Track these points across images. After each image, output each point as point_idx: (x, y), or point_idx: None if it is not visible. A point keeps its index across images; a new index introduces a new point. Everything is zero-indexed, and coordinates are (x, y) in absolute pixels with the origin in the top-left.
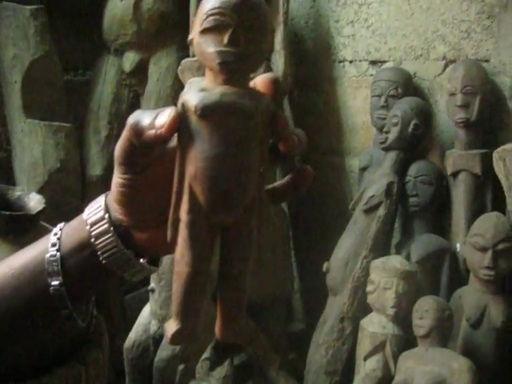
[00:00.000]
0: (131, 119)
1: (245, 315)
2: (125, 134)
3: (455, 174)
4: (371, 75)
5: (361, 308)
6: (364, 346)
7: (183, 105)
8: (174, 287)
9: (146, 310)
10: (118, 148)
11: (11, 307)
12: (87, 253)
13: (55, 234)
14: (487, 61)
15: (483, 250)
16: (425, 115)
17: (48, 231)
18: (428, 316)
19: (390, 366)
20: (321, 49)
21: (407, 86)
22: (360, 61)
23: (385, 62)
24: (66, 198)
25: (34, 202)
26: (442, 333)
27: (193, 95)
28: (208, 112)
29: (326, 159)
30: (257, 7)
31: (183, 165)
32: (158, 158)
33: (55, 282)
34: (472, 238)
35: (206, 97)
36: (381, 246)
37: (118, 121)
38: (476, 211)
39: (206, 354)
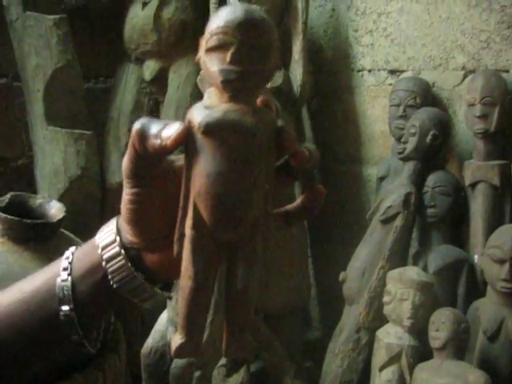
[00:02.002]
0: (137, 125)
1: (250, 331)
2: (130, 140)
3: (473, 185)
4: (390, 84)
5: (377, 318)
6: (380, 356)
7: (189, 121)
8: (178, 301)
9: (164, 317)
10: (125, 159)
11: (22, 332)
12: (99, 277)
13: (67, 258)
14: (507, 71)
15: (501, 262)
16: (443, 125)
17: (68, 239)
18: (444, 328)
19: (406, 377)
20: (339, 58)
21: (426, 95)
22: (379, 70)
23: (403, 71)
24: (87, 205)
25: (55, 209)
26: (458, 345)
27: (198, 112)
28: (211, 129)
29: (344, 168)
30: (260, 25)
31: (189, 181)
32: (164, 174)
33: (66, 308)
34: (489, 250)
35: (209, 114)
36: (398, 257)
37: None
38: (494, 223)
39: (223, 361)
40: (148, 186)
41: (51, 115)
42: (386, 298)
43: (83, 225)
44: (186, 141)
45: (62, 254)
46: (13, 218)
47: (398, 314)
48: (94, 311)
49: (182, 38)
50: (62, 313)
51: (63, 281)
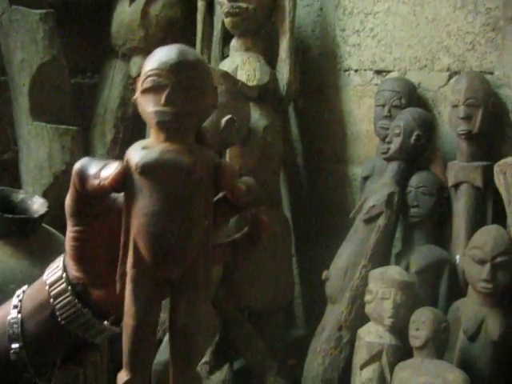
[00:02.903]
0: (77, 165)
1: (196, 365)
2: (71, 180)
3: (456, 186)
4: (376, 84)
5: (358, 317)
6: (360, 355)
7: (127, 161)
8: (123, 339)
9: None
10: (67, 198)
11: None
12: (47, 314)
13: (18, 296)
14: (491, 73)
15: (482, 262)
16: (427, 126)
17: (50, 234)
18: (424, 327)
19: (386, 375)
20: (326, 57)
21: (411, 96)
22: (365, 70)
23: (389, 71)
24: None
25: (38, 205)
26: (438, 344)
27: (135, 153)
28: (148, 169)
29: (329, 167)
30: (194, 67)
31: (128, 219)
32: (106, 211)
33: (15, 345)
34: (471, 251)
35: (146, 155)
36: (380, 256)
37: (124, 125)
38: (476, 223)
39: (206, 358)
40: (90, 224)
41: (36, 110)
42: (367, 297)
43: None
44: (124, 181)
45: (43, 249)
46: None
47: (379, 312)
48: (45, 349)
49: (170, 34)
50: (12, 351)
51: (13, 318)
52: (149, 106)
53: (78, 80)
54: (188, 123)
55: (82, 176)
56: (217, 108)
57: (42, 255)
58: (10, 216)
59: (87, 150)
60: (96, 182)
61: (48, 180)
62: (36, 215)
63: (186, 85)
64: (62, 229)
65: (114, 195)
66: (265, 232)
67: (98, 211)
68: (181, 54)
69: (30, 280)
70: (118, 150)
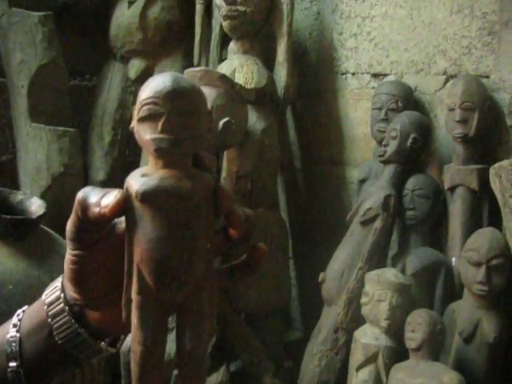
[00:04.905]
0: (80, 194)
1: None
2: (74, 208)
3: (452, 189)
4: (373, 88)
5: (355, 319)
6: (357, 356)
7: (127, 189)
8: (131, 364)
9: None
10: (68, 223)
11: None
12: (45, 333)
13: (17, 315)
14: (487, 77)
15: (477, 264)
16: (424, 129)
17: (48, 235)
18: (420, 329)
19: (382, 377)
20: (324, 60)
21: (408, 99)
22: (362, 73)
23: (386, 75)
24: (69, 202)
25: (36, 206)
26: (434, 346)
27: (135, 180)
28: (148, 197)
29: (326, 170)
30: (189, 94)
31: (131, 246)
32: (106, 237)
33: (13, 364)
34: (466, 253)
35: (145, 182)
36: (376, 259)
37: (122, 127)
38: (472, 226)
39: None
40: (90, 249)
41: (35, 112)
42: (363, 299)
43: (65, 222)
44: (124, 208)
45: (41, 250)
46: None
47: (375, 314)
48: (42, 368)
49: (168, 37)
50: (9, 369)
51: (12, 337)
52: (146, 134)
53: (76, 82)
54: (185, 149)
55: (84, 204)
56: (210, 131)
57: (40, 256)
58: (8, 217)
59: (85, 152)
60: (97, 209)
61: (46, 181)
62: (34, 216)
63: (182, 111)
64: (60, 230)
65: (115, 221)
66: (263, 259)
67: (98, 237)
68: (175, 81)
69: (28, 280)
70: (115, 152)
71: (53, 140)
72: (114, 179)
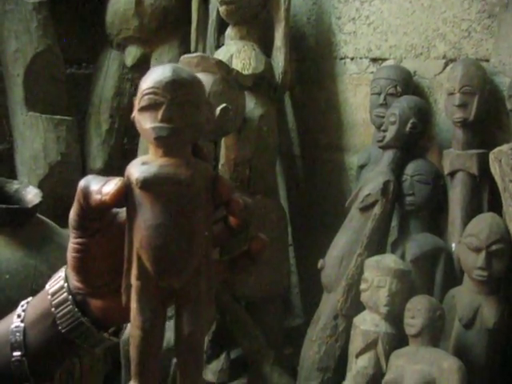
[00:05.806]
0: (82, 182)
1: (202, 373)
2: (76, 196)
3: (452, 174)
4: (372, 72)
5: (354, 306)
6: (356, 343)
7: (128, 177)
8: (130, 350)
9: None
10: (71, 212)
11: None
12: (49, 323)
13: (22, 306)
14: (487, 60)
15: (477, 250)
16: (423, 114)
17: (45, 224)
18: (420, 315)
19: (382, 363)
20: (322, 45)
21: (407, 84)
22: (361, 58)
23: (385, 59)
24: (67, 190)
25: (32, 195)
26: (434, 332)
27: (135, 168)
28: (148, 184)
29: (325, 156)
30: (188, 84)
31: (131, 233)
32: (108, 225)
33: (17, 353)
34: (466, 239)
35: (145, 170)
36: (376, 245)
37: (119, 115)
38: (472, 211)
39: None
40: (92, 237)
41: (31, 100)
42: (363, 286)
43: (63, 210)
44: (125, 196)
45: (38, 239)
46: None
47: (374, 301)
48: (45, 357)
49: (164, 24)
50: (13, 358)
51: (16, 327)
52: (146, 123)
53: (72, 70)
54: (185, 138)
55: (86, 192)
56: (211, 122)
57: (37, 245)
58: (5, 206)
59: (82, 141)
60: (98, 197)
61: (43, 170)
62: (30, 205)
63: (181, 101)
64: (57, 218)
65: (116, 210)
66: (264, 251)
67: (100, 225)
68: (175, 72)
69: (25, 270)
70: (113, 140)
71: (50, 129)
72: (112, 167)
